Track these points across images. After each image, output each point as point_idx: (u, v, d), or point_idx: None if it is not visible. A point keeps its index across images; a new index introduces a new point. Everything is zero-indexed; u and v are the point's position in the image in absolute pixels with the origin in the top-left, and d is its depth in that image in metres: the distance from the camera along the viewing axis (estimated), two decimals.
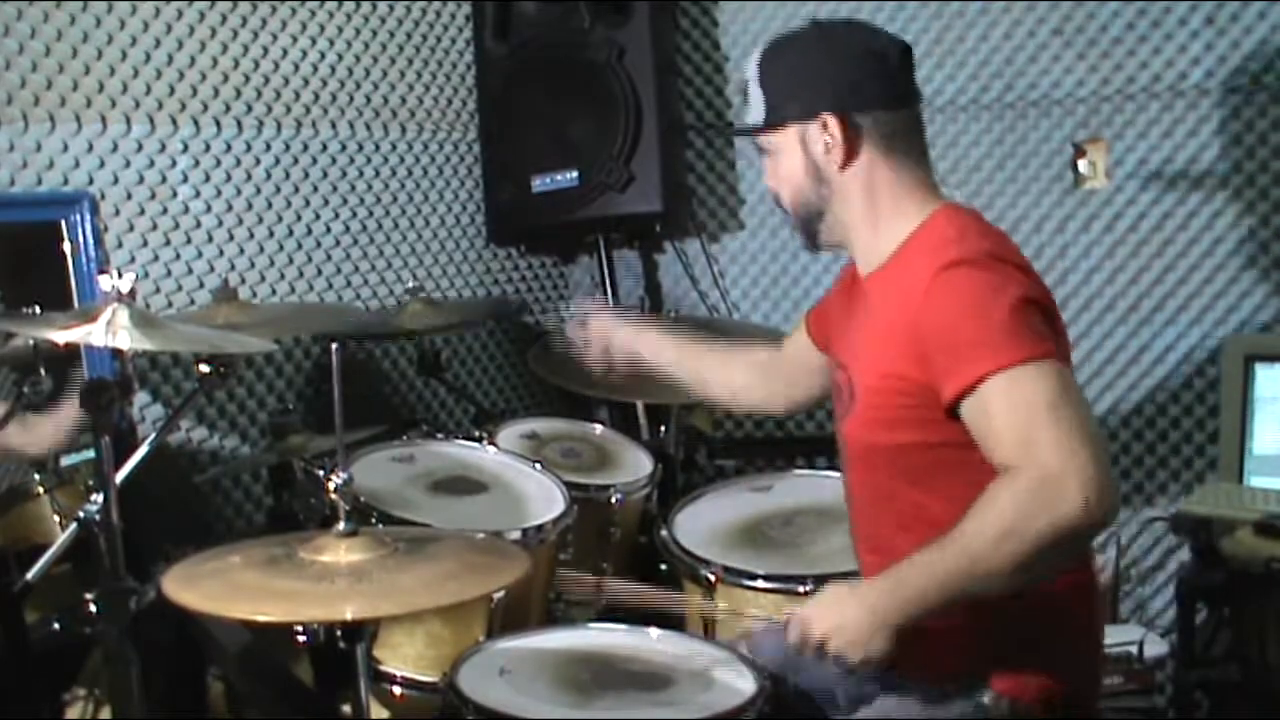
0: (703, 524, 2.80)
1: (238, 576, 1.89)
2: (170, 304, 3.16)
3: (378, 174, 3.71)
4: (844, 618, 1.83)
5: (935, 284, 1.86)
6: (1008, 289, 1.83)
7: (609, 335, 2.55)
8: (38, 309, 2.37)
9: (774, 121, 2.04)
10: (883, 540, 2.04)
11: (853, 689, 2.06)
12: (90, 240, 2.97)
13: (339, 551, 1.91)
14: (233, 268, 3.29)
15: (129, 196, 3.09)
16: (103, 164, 3.03)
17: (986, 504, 1.74)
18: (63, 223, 2.94)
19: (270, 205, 3.42)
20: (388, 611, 1.79)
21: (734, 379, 2.52)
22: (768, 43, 2.07)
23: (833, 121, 1.97)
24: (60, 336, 2.08)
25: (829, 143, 1.98)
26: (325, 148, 3.56)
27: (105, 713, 2.51)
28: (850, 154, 1.99)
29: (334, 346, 2.17)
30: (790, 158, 2.03)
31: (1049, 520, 1.69)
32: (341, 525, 1.94)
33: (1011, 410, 1.76)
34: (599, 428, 3.42)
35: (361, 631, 1.97)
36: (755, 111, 2.06)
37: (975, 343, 1.80)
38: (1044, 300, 1.90)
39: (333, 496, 1.94)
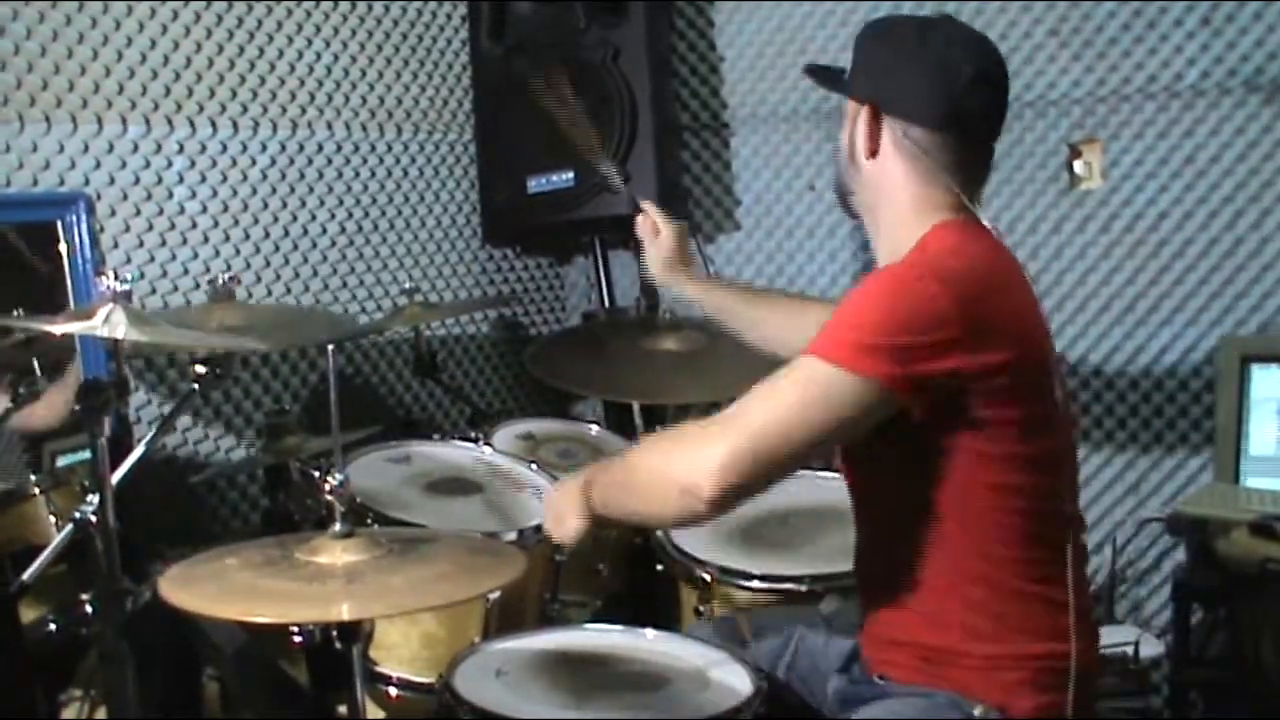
0: None
1: (233, 578, 1.89)
2: (166, 305, 3.15)
3: (373, 175, 3.71)
4: (555, 498, 2.08)
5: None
6: (905, 300, 1.80)
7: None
8: (26, 312, 2.37)
9: (845, 87, 2.07)
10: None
11: (844, 690, 2.06)
12: (86, 241, 2.97)
13: (334, 553, 1.91)
14: (228, 268, 3.27)
15: (125, 197, 3.09)
16: (98, 164, 3.03)
17: (665, 437, 1.95)
18: (59, 223, 2.94)
19: (266, 206, 3.42)
20: (378, 613, 1.79)
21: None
22: (882, 18, 2.13)
23: (868, 113, 2.00)
24: (56, 328, 2.09)
25: (864, 130, 2.01)
26: (320, 148, 3.56)
27: (101, 713, 2.50)
28: (874, 148, 2.00)
29: (330, 347, 2.17)
30: (847, 126, 2.06)
31: (679, 487, 1.80)
32: (337, 527, 1.94)
33: (772, 381, 1.81)
34: (595, 428, 3.42)
35: (357, 632, 1.97)
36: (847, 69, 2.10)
37: (831, 325, 1.82)
38: (959, 332, 1.78)
39: (328, 497, 1.94)
